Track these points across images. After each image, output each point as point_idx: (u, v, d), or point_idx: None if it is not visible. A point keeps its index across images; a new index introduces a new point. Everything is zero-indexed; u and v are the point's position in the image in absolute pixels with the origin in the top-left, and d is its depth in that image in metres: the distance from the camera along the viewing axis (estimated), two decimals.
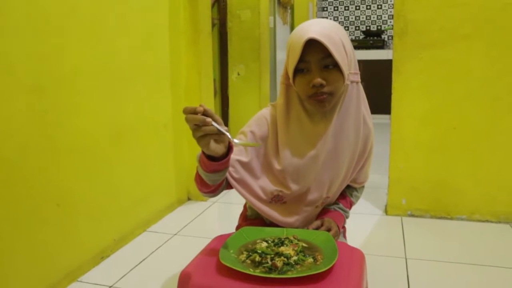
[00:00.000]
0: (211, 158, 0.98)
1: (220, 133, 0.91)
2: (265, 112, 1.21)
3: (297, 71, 1.07)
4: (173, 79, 2.35)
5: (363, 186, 1.40)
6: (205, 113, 0.89)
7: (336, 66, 1.04)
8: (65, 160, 1.61)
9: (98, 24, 1.76)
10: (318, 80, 1.04)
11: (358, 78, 1.16)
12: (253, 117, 1.21)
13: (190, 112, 0.89)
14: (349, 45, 1.09)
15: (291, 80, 1.11)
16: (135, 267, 1.77)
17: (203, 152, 0.99)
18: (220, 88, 3.82)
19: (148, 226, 2.17)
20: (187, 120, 0.89)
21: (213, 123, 0.89)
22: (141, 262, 1.82)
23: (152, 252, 1.91)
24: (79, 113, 1.67)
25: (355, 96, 1.15)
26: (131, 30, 1.97)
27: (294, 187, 1.16)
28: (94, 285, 1.64)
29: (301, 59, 1.05)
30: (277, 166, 1.16)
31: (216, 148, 0.94)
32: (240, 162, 1.15)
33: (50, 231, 1.55)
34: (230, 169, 1.13)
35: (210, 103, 2.59)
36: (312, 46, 1.02)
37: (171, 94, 2.34)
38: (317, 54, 1.04)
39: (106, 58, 1.81)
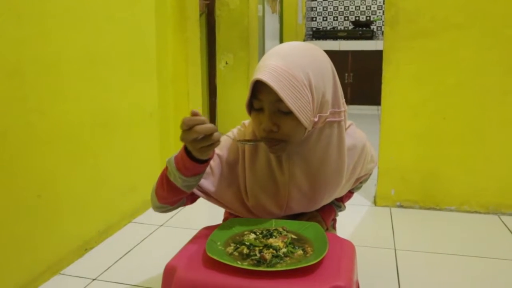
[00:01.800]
0: (195, 160, 0.94)
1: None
2: (236, 133, 1.12)
3: (252, 107, 0.97)
4: (159, 66, 2.29)
5: (370, 173, 1.33)
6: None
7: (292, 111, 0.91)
8: (47, 148, 1.55)
9: (82, 8, 1.69)
10: (268, 125, 0.94)
11: (340, 116, 1.01)
12: (225, 135, 1.10)
13: (197, 123, 0.85)
14: (322, 83, 0.94)
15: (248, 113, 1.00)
16: (120, 259, 1.73)
17: (188, 157, 0.94)
18: (207, 77, 3.76)
19: (133, 217, 2.13)
20: (196, 131, 0.86)
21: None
22: (126, 254, 1.77)
23: (138, 243, 1.87)
24: (62, 99, 1.61)
25: (336, 138, 1.03)
26: (116, 15, 1.91)
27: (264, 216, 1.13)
28: (77, 277, 1.59)
29: (255, 97, 0.94)
30: (246, 201, 1.10)
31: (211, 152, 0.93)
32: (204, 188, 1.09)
33: (30, 223, 1.50)
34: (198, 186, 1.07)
35: (197, 92, 2.54)
36: (266, 85, 0.89)
37: (157, 82, 2.28)
38: (270, 96, 0.91)
39: (90, 43, 1.75)
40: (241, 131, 1.12)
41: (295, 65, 0.91)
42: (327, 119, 0.99)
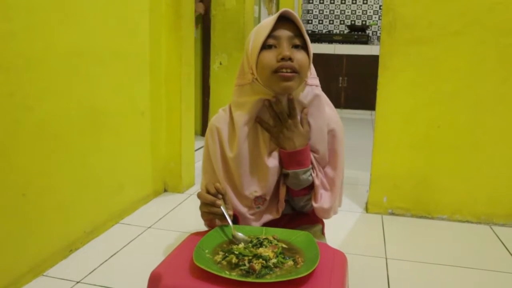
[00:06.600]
0: None
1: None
2: (214, 121, 1.18)
3: (264, 48, 1.06)
4: (152, 65, 2.25)
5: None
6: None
7: (303, 48, 1.07)
8: (32, 146, 1.51)
9: (72, 2, 1.65)
10: (287, 53, 1.04)
11: (318, 83, 1.16)
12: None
13: (210, 201, 1.01)
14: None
15: (254, 59, 1.07)
16: (105, 261, 1.69)
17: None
18: (201, 77, 3.73)
19: (121, 218, 2.08)
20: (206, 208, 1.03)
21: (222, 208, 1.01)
22: (112, 256, 1.73)
23: (125, 245, 1.83)
24: (49, 96, 1.57)
25: (316, 99, 1.15)
26: (108, 11, 1.86)
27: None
28: (61, 280, 1.55)
29: (271, 35, 1.05)
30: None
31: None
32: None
33: (14, 222, 1.45)
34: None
35: (190, 92, 2.50)
36: (283, 24, 1.06)
37: (149, 80, 2.24)
38: (288, 32, 1.06)
39: (80, 39, 1.70)
40: (223, 115, 1.18)
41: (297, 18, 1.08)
42: (308, 82, 1.12)
